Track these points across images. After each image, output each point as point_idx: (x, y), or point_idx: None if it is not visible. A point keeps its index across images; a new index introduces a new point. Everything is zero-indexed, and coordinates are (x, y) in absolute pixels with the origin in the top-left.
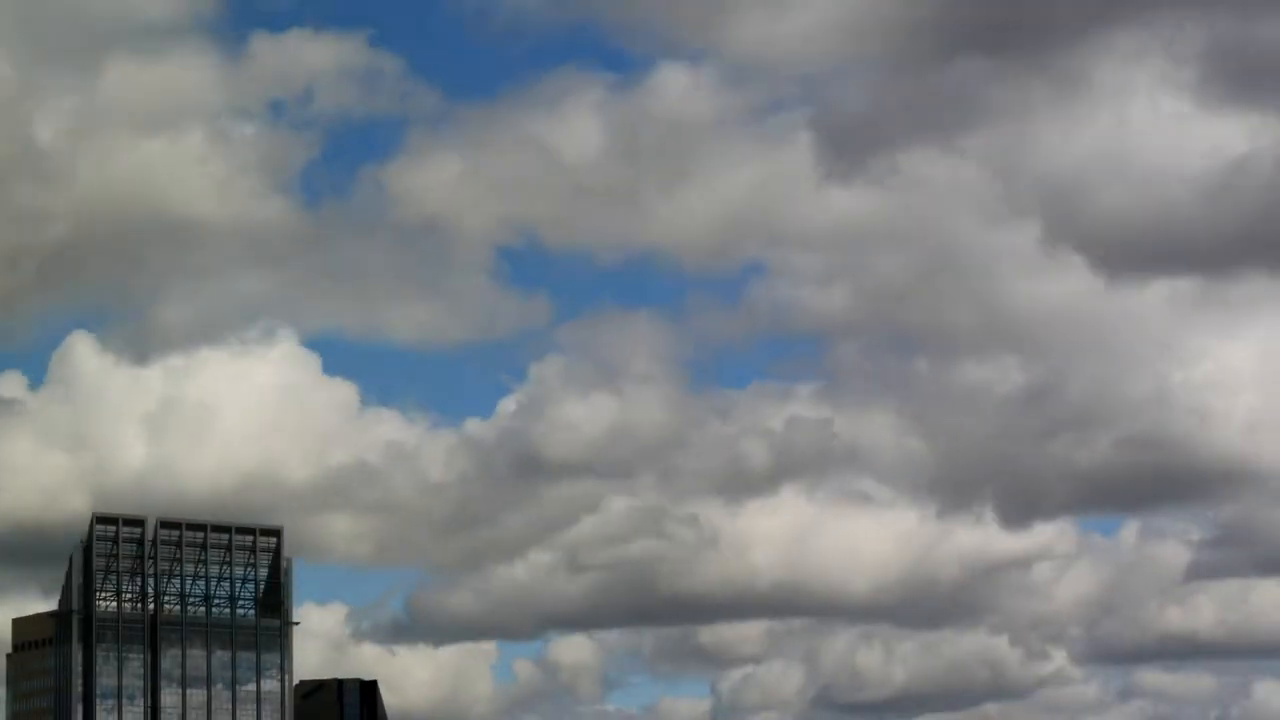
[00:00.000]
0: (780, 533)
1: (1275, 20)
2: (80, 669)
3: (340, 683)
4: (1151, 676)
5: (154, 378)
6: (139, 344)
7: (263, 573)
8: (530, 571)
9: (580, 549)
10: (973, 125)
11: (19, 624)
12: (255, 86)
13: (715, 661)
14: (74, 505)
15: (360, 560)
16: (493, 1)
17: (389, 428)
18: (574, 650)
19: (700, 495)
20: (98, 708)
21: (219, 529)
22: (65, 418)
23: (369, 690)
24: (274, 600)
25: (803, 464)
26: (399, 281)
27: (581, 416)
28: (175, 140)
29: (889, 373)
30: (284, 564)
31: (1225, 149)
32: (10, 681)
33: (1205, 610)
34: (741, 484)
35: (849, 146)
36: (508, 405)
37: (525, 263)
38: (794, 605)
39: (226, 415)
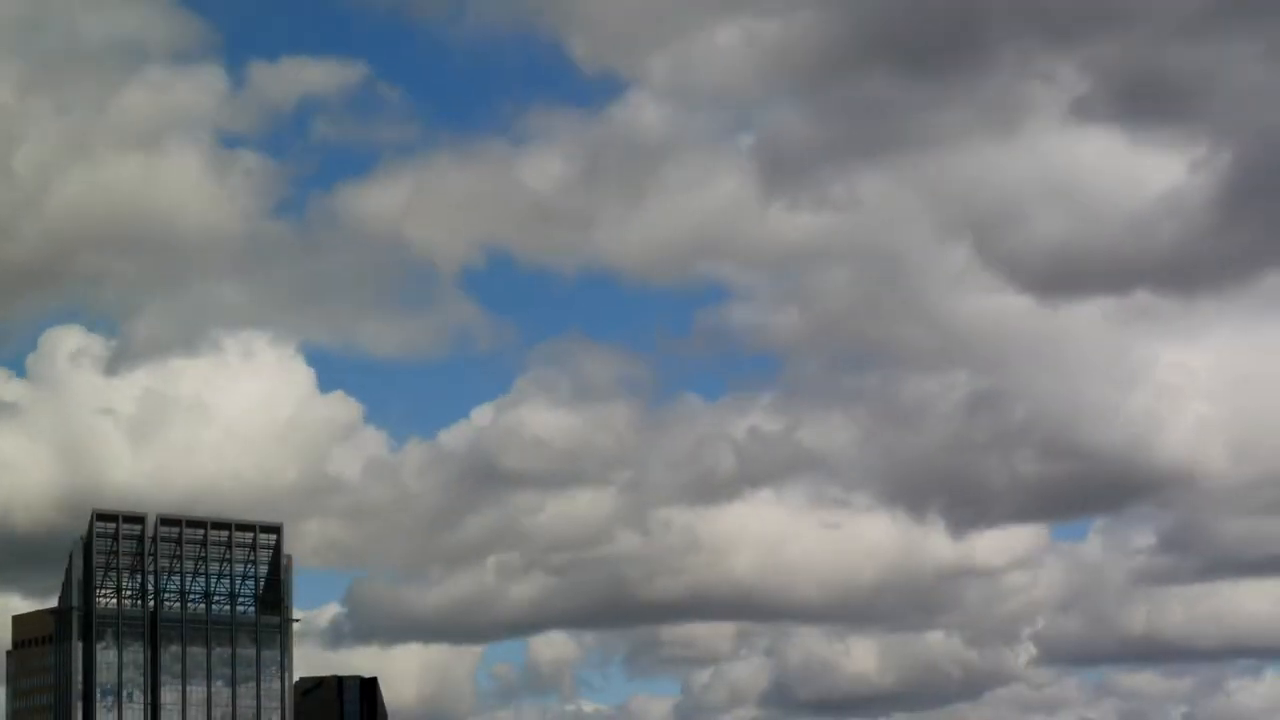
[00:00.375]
0: (749, 537)
1: (1204, 49)
2: (80, 666)
3: (340, 680)
4: (1116, 677)
5: (138, 383)
6: (125, 350)
7: (263, 570)
8: (504, 574)
9: (553, 552)
10: (912, 147)
11: (19, 621)
12: (246, 109)
13: (685, 661)
14: (70, 504)
15: (337, 563)
16: (469, 32)
17: (367, 438)
18: (549, 649)
19: (667, 502)
20: (98, 705)
21: (219, 526)
22: (58, 418)
23: (369, 687)
24: (274, 597)
25: (766, 472)
26: (375, 298)
27: (552, 428)
28: (167, 159)
29: (845, 386)
30: (284, 561)
31: (1155, 177)
32: (10, 679)
33: (1166, 612)
34: (707, 491)
35: (794, 170)
36: (481, 417)
37: (496, 282)
38: (765, 607)
39: (208, 422)
